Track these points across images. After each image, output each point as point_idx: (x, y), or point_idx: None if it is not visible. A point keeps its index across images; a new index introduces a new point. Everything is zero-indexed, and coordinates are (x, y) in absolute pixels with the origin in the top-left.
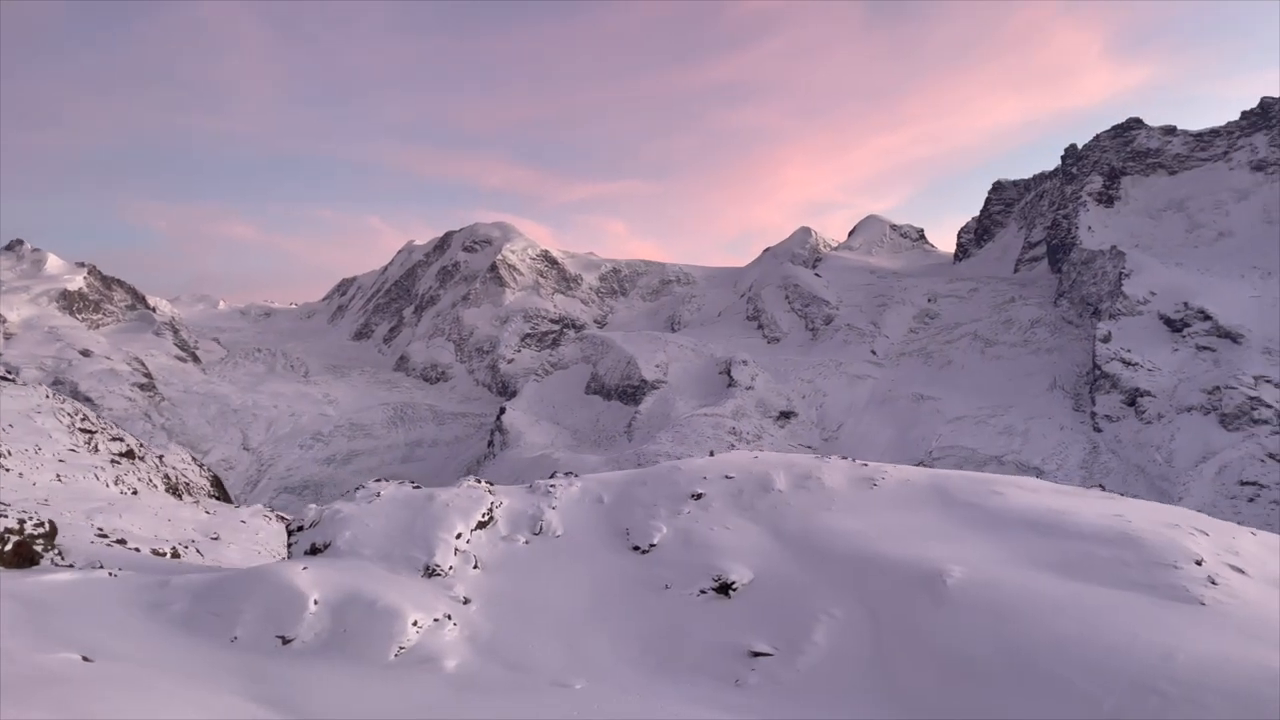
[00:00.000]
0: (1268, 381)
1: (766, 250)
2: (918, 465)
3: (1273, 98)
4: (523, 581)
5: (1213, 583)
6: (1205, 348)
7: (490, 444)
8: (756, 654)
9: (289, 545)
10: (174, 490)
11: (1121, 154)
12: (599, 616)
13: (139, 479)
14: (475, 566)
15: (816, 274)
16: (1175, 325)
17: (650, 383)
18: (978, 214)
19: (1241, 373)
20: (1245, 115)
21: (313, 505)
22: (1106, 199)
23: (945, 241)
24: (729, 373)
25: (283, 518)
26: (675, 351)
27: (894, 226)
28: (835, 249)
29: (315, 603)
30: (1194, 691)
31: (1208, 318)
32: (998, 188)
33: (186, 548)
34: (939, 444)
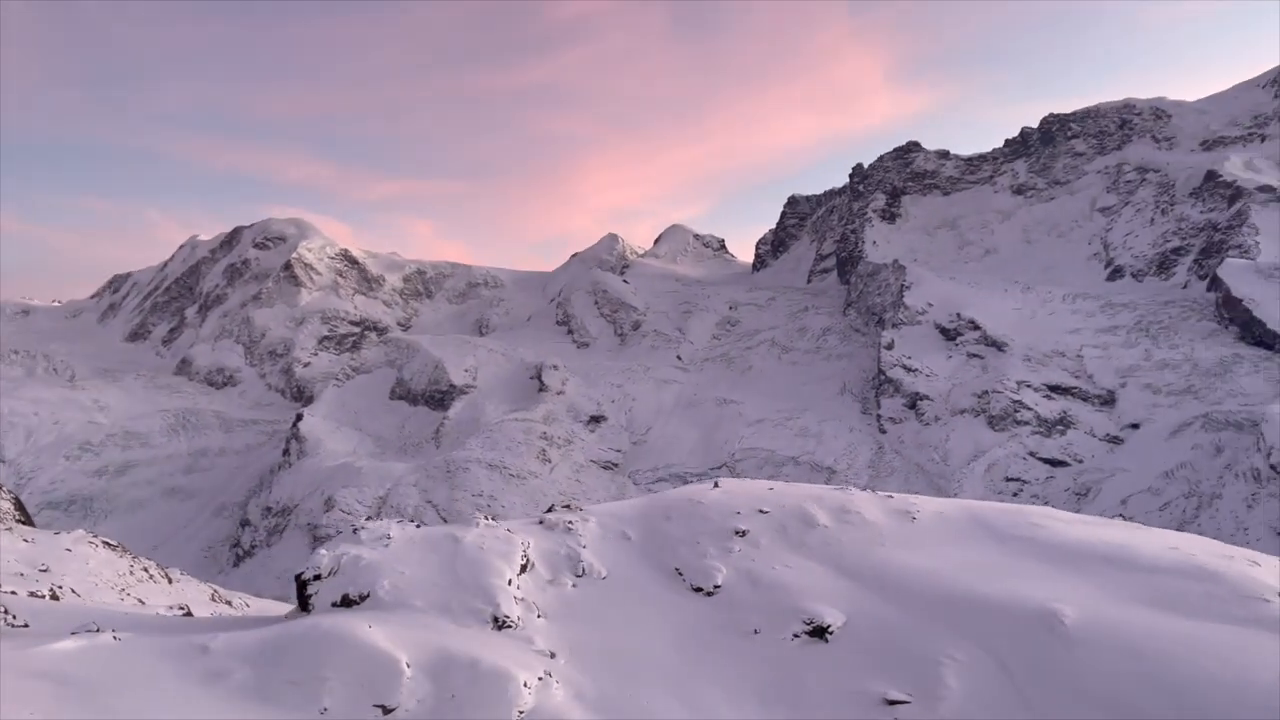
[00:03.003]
0: (1028, 386)
1: (575, 256)
2: (721, 467)
3: (1031, 128)
4: (594, 630)
5: None
6: (975, 355)
7: (286, 452)
8: (892, 701)
9: (306, 597)
10: None
11: (902, 174)
12: (695, 666)
13: None
14: (539, 615)
15: (625, 280)
16: (949, 334)
17: (459, 387)
18: (774, 226)
19: (1006, 378)
20: (1008, 143)
21: (322, 551)
22: (889, 216)
23: (744, 251)
24: (539, 377)
25: (109, 544)
26: (485, 356)
27: (697, 236)
28: (642, 256)
29: (407, 665)
30: None
31: (977, 327)
32: (792, 202)
33: (60, 588)
34: (741, 446)
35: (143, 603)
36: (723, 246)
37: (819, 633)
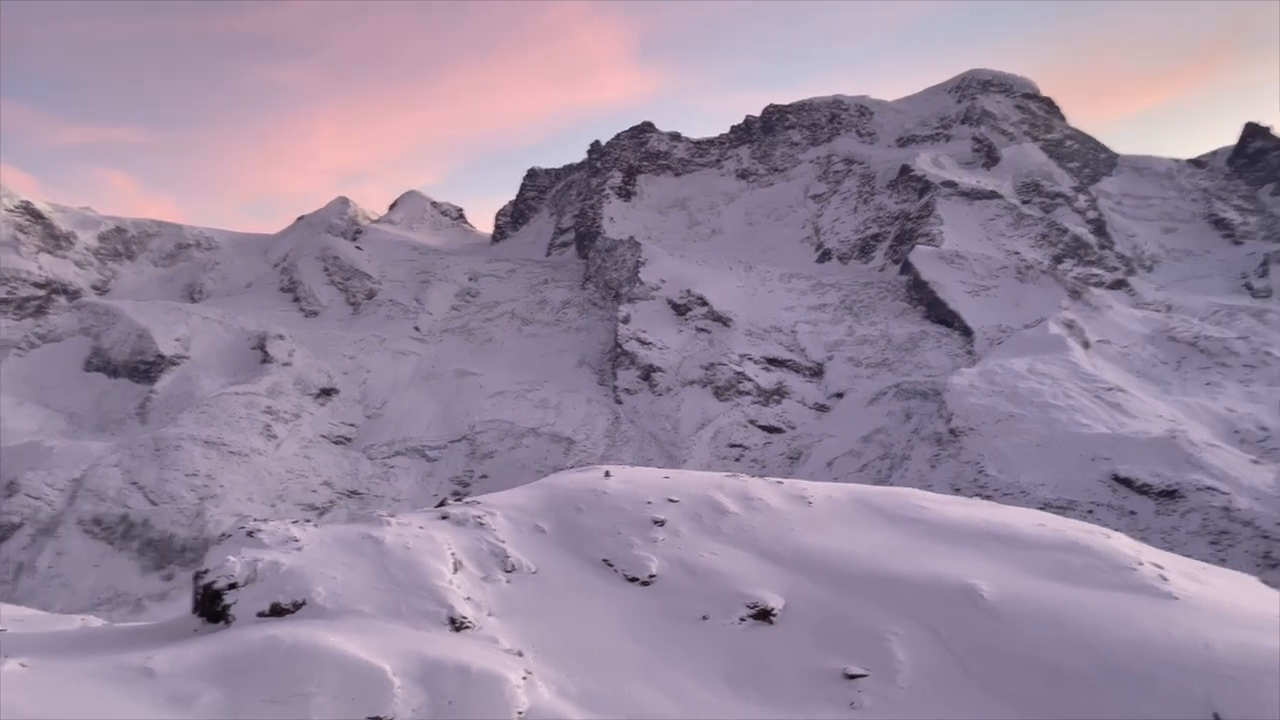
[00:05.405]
0: (749, 359)
1: (301, 218)
2: (461, 440)
3: (755, 116)
4: (547, 626)
5: (1164, 579)
6: (703, 329)
7: None
8: (852, 676)
9: (224, 607)
10: None
11: (637, 153)
12: (657, 655)
13: None
14: (490, 614)
15: (358, 247)
16: (680, 309)
17: (169, 358)
18: (514, 198)
19: (731, 351)
20: (734, 129)
21: (230, 557)
22: (625, 193)
23: (483, 222)
24: (263, 348)
25: None
26: (199, 324)
27: (435, 204)
28: (376, 222)
29: (394, 675)
30: (1252, 675)
31: (705, 303)
32: (532, 174)
33: None
34: (481, 418)
35: None
36: (461, 216)
37: (763, 615)
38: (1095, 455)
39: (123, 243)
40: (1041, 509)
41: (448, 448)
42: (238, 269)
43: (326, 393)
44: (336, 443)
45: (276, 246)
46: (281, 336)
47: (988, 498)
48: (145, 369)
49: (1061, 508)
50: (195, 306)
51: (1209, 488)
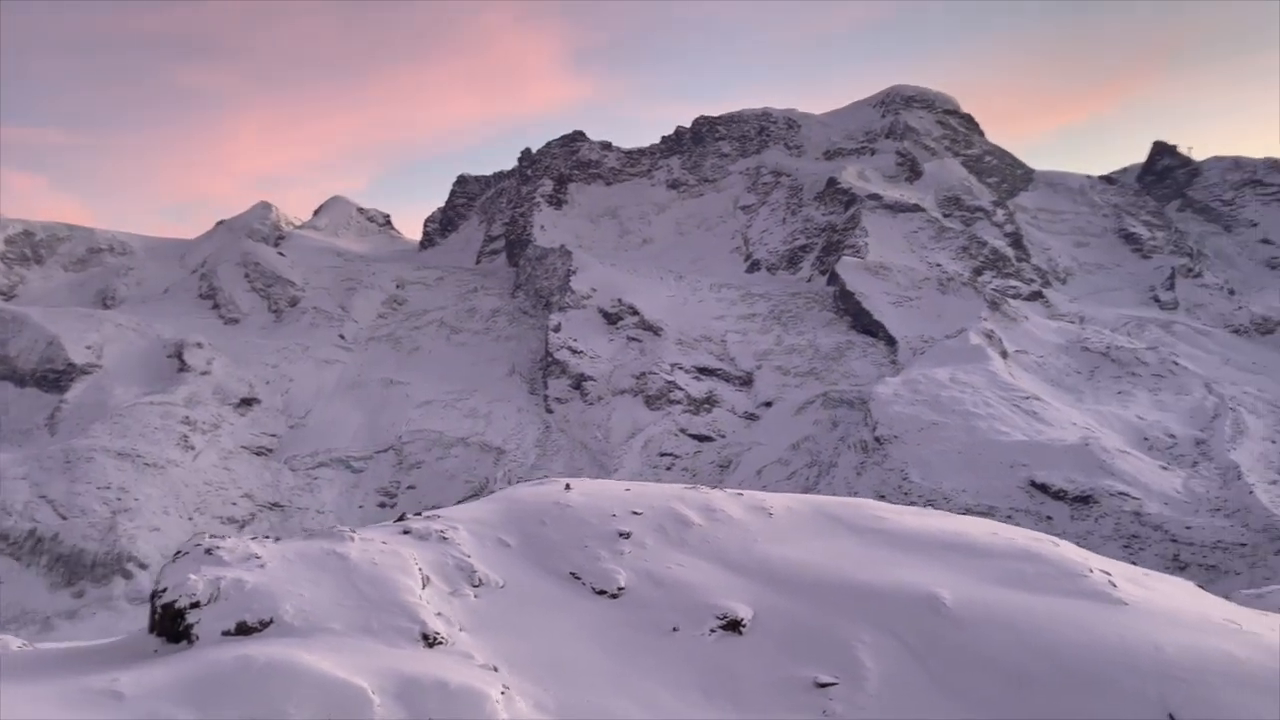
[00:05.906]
0: (680, 368)
1: (221, 223)
2: (388, 450)
3: (685, 127)
4: (518, 640)
5: (1114, 585)
6: (634, 338)
7: None
8: (823, 684)
9: (187, 626)
10: None
11: (568, 162)
12: (630, 667)
13: None
14: (461, 629)
15: (280, 253)
16: (611, 318)
17: (80, 367)
18: (443, 205)
19: (662, 360)
20: (664, 140)
21: (192, 576)
22: (556, 202)
23: (410, 229)
24: (180, 356)
25: None
26: (112, 331)
27: (361, 209)
28: (299, 227)
29: (373, 693)
30: (1202, 676)
31: (636, 312)
32: (461, 181)
33: None
34: (409, 428)
35: None
36: (388, 222)
37: (733, 626)
38: (1014, 462)
39: (30, 246)
40: (962, 514)
41: (374, 458)
42: (153, 275)
43: (247, 402)
44: (257, 454)
45: (195, 252)
46: (200, 344)
47: (912, 504)
48: (55, 378)
49: (982, 513)
50: (108, 313)
51: (1121, 493)
